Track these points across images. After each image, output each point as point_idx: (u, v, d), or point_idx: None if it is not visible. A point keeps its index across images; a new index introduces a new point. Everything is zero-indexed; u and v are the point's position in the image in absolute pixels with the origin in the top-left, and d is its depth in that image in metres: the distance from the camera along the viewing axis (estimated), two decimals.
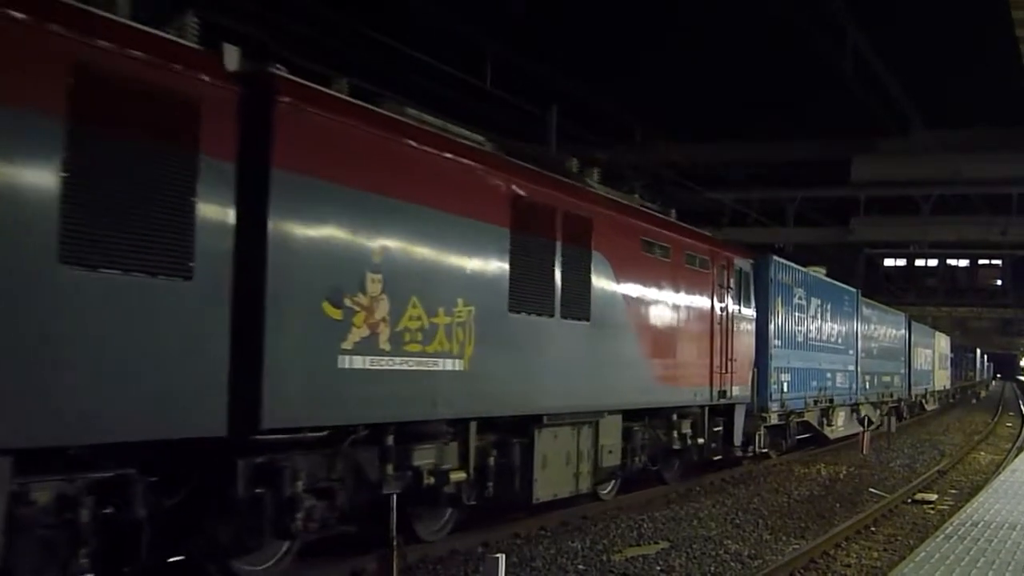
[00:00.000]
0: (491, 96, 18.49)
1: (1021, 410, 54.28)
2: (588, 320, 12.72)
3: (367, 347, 8.90)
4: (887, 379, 34.51)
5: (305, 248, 8.29)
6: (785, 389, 21.33)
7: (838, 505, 16.41)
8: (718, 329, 17.02)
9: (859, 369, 29.17)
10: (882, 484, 19.32)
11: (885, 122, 30.82)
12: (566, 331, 12.24)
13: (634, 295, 14.09)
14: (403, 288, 9.39)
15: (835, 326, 26.50)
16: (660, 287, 14.93)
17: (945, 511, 15.71)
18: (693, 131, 35.41)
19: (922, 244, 43.42)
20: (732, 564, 11.41)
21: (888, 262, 60.41)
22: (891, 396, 35.29)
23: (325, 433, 8.68)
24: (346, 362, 8.68)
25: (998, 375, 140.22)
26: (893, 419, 31.11)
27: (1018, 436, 34.60)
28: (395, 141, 9.42)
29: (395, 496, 8.82)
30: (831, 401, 25.58)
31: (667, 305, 15.20)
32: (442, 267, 10.04)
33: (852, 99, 27.71)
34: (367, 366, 8.90)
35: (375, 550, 8.46)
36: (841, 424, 27.14)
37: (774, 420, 20.81)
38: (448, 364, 10.03)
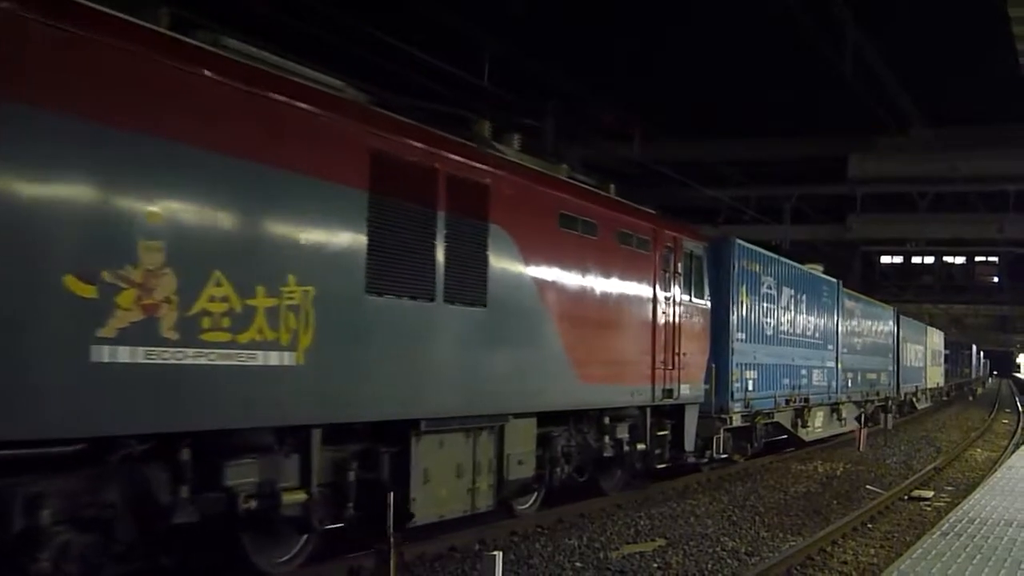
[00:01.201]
0: (488, 94, 18.48)
1: (1017, 407, 54.34)
2: (484, 306, 10.76)
3: (140, 335, 6.92)
4: (872, 377, 32.60)
5: (37, 205, 6.37)
6: (750, 388, 19.63)
7: (835, 502, 16.45)
8: (662, 320, 14.98)
9: (840, 366, 27.30)
10: (879, 481, 19.36)
11: (883, 119, 30.84)
12: (453, 319, 10.28)
13: (549, 279, 12.13)
14: (199, 260, 7.42)
15: (812, 319, 24.66)
16: (585, 270, 12.91)
17: (942, 508, 15.75)
18: (691, 129, 35.39)
19: (919, 241, 43.46)
20: (729, 561, 11.43)
21: (885, 259, 60.53)
22: (877, 395, 33.30)
23: (80, 447, 6.77)
24: (104, 354, 6.68)
25: (994, 372, 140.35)
26: (890, 416, 31.00)
27: (1014, 433, 34.67)
28: (191, 73, 7.45)
29: (391, 495, 8.80)
30: (806, 401, 23.62)
31: (594, 291, 13.20)
32: (263, 235, 7.98)
33: (850, 96, 27.72)
34: (141, 359, 6.94)
35: (373, 547, 8.47)
36: (819, 425, 25.31)
37: (737, 422, 19.10)
38: (273, 358, 8.03)
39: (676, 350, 15.40)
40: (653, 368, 14.77)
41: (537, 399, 12.06)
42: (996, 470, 18.31)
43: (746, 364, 19.38)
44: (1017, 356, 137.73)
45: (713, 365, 17.49)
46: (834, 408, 26.83)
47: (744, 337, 19.33)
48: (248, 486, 8.11)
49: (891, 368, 36.48)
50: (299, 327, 8.31)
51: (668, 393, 15.27)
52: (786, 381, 22.11)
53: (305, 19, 15.08)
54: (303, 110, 8.48)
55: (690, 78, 33.59)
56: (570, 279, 12.64)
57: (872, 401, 32.24)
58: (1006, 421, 42.35)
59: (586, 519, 13.59)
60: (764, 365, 20.50)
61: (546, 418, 12.51)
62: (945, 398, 59.62)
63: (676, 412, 16.13)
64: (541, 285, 11.97)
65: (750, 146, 37.73)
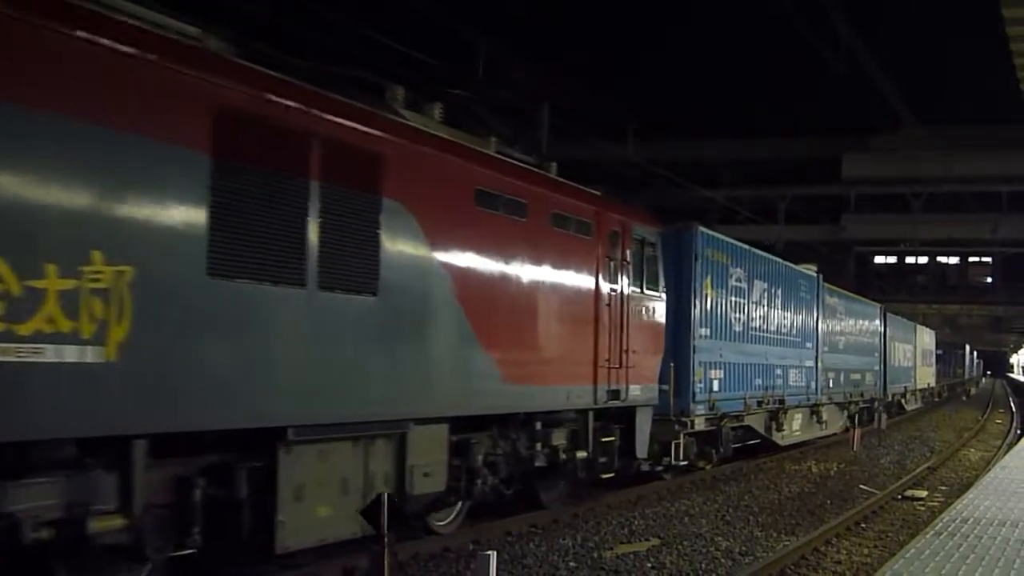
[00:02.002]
0: (484, 94, 18.48)
1: (1011, 407, 54.44)
2: (375, 294, 9.17)
3: None
4: (857, 377, 30.61)
5: None
6: (715, 388, 17.94)
7: (829, 502, 16.45)
8: (606, 313, 13.33)
9: (820, 365, 25.46)
10: (872, 481, 19.37)
11: (876, 119, 30.95)
12: (331, 308, 8.66)
13: (463, 264, 10.51)
14: None
15: (789, 315, 22.93)
16: (509, 256, 11.32)
17: (935, 507, 15.76)
18: (685, 129, 35.46)
19: (913, 242, 43.59)
20: (723, 561, 11.43)
21: (879, 259, 60.70)
22: (861, 395, 31.28)
23: None
24: None
25: (988, 372, 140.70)
26: (883, 416, 30.90)
27: (1008, 433, 34.72)
28: None
29: (386, 494, 8.78)
30: (781, 402, 21.82)
31: (521, 280, 11.57)
32: (53, 202, 6.47)
33: (843, 96, 27.86)
34: None
35: (367, 548, 8.46)
36: (797, 428, 23.59)
37: (700, 426, 17.39)
38: (70, 353, 6.50)
39: (624, 347, 13.77)
40: (595, 367, 13.15)
41: (448, 402, 10.40)
42: (990, 470, 18.31)
43: (711, 363, 17.81)
44: (1011, 356, 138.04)
45: (672, 364, 16.02)
46: (813, 410, 25.18)
47: (708, 333, 17.73)
48: (34, 510, 6.60)
49: (877, 368, 34.42)
50: (111, 315, 6.75)
51: (614, 395, 13.62)
52: (758, 381, 20.45)
53: (302, 20, 15.09)
54: (115, 52, 6.86)
55: (684, 78, 33.68)
56: (490, 266, 11.03)
57: (856, 402, 30.55)
58: (999, 421, 42.42)
59: (580, 519, 13.59)
60: (732, 364, 18.86)
61: (462, 424, 10.84)
62: (937, 399, 57.84)
63: (626, 416, 14.47)
64: (453, 272, 10.38)
65: (744, 146, 37.82)
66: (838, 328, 28.13)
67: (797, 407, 23.29)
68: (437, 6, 16.96)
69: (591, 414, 13.42)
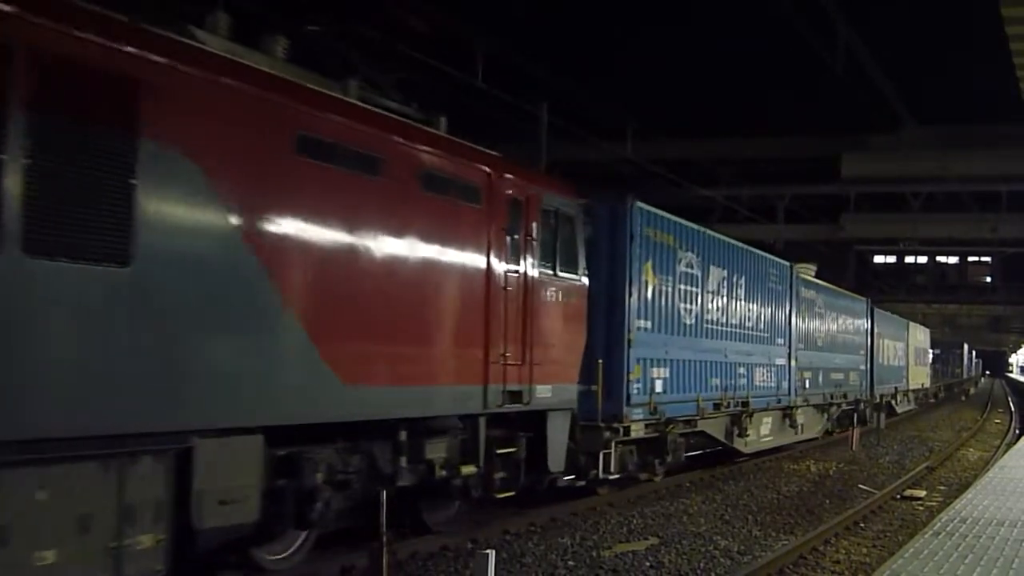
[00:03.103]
0: (482, 93, 18.47)
1: (1010, 407, 54.46)
2: (125, 264, 6.98)
3: None
4: (839, 377, 28.03)
5: None
6: (659, 389, 15.57)
7: (827, 501, 16.46)
8: (503, 299, 11.12)
9: (794, 364, 23.08)
10: (871, 480, 19.38)
11: (875, 119, 30.91)
12: (47, 281, 6.50)
13: (277, 231, 8.33)
14: None
15: (755, 308, 20.51)
16: (353, 223, 9.12)
17: (934, 507, 15.77)
18: (684, 128, 35.43)
19: (912, 241, 43.58)
20: (722, 560, 11.44)
21: (878, 259, 60.74)
22: (845, 397, 28.75)
23: None
24: None
25: (987, 372, 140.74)
26: (883, 416, 30.91)
27: (1007, 432, 34.74)
28: None
29: (384, 493, 8.78)
30: (745, 405, 19.43)
31: (371, 254, 9.36)
32: None
33: (842, 96, 27.81)
34: None
35: (366, 546, 8.46)
36: (766, 433, 21.40)
37: (639, 432, 15.16)
38: None
39: (529, 339, 11.63)
40: (487, 364, 10.91)
41: (258, 409, 8.19)
42: (988, 469, 18.33)
43: (653, 360, 15.47)
44: (1010, 356, 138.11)
45: (600, 361, 13.83)
46: (786, 413, 22.73)
47: (650, 326, 15.34)
48: None
49: (863, 367, 31.83)
50: None
51: (515, 396, 11.49)
52: (715, 381, 18.03)
53: (299, 18, 15.08)
54: None
55: (684, 78, 33.63)
56: (323, 234, 8.82)
57: (839, 404, 28.24)
58: (998, 421, 42.43)
59: (579, 517, 13.59)
60: (681, 362, 16.52)
61: (289, 435, 8.67)
62: (932, 400, 55.59)
63: (536, 422, 12.33)
64: (263, 241, 8.19)
65: (743, 145, 37.78)
66: (817, 323, 25.79)
67: (766, 410, 21.02)
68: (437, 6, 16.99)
69: (483, 421, 11.14)
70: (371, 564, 8.44)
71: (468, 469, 11.05)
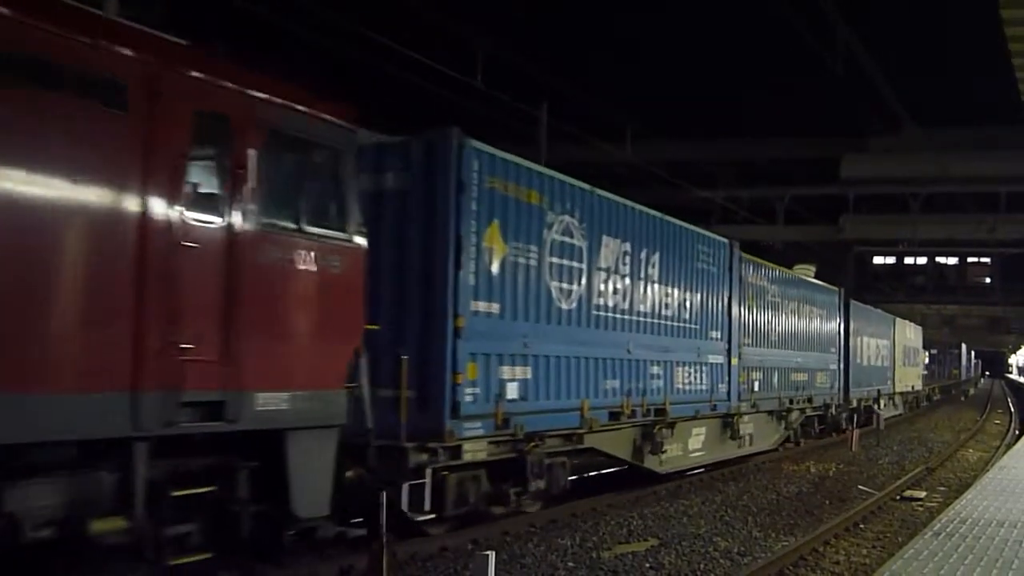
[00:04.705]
0: (482, 94, 18.50)
1: (1009, 407, 54.47)
2: None
3: None
4: (801, 378, 23.87)
5: None
6: (513, 395, 11.89)
7: (827, 502, 16.46)
8: (178, 259, 7.40)
9: (738, 362, 19.31)
10: (871, 481, 19.37)
11: (875, 120, 30.97)
12: None
13: None
14: None
15: (677, 292, 16.55)
16: None
17: (934, 508, 15.76)
18: (683, 129, 35.51)
19: (912, 242, 43.64)
20: (721, 561, 11.44)
21: (878, 260, 60.83)
22: (809, 401, 24.68)
23: None
24: None
25: (986, 373, 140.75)
26: (882, 416, 30.61)
27: (1006, 433, 34.73)
28: None
29: (384, 493, 8.78)
30: (661, 413, 15.76)
31: None
32: None
33: (842, 97, 27.87)
34: None
35: (365, 547, 8.46)
36: (697, 447, 17.85)
37: (479, 454, 11.55)
38: None
39: (238, 323, 7.84)
40: (140, 356, 7.16)
41: None
42: (988, 470, 18.32)
43: (502, 356, 11.79)
44: (1009, 357, 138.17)
45: (405, 358, 10.56)
46: (726, 422, 19.16)
47: (497, 311, 11.69)
48: None
49: (834, 367, 27.64)
50: None
51: (207, 409, 7.63)
52: (611, 384, 14.28)
53: (297, 18, 15.11)
54: None
55: (683, 78, 33.69)
56: None
57: (802, 410, 24.30)
58: (998, 422, 42.41)
59: (579, 519, 13.58)
60: (552, 358, 12.81)
61: None
62: (925, 403, 51.86)
63: (270, 446, 8.27)
64: None
65: (743, 146, 37.86)
66: (770, 315, 21.79)
67: (695, 419, 17.38)
68: (437, 6, 17.01)
69: (141, 448, 7.25)
70: (371, 565, 8.44)
71: (107, 524, 7.11)
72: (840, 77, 21.99)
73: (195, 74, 7.72)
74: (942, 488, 18.73)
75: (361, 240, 9.31)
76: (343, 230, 9.13)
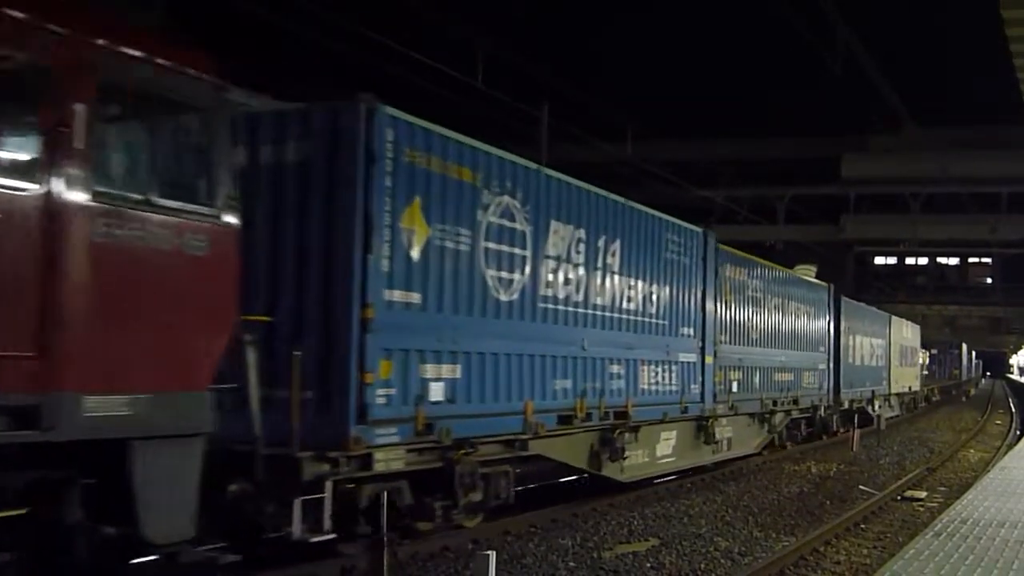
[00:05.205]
0: (482, 94, 18.51)
1: (1010, 408, 54.46)
2: None
3: None
4: (786, 378, 22.39)
5: None
6: (437, 396, 10.48)
7: (828, 502, 16.46)
8: None
9: (712, 361, 17.85)
10: (872, 481, 19.37)
11: (876, 120, 30.95)
12: None
13: None
14: None
15: (642, 285, 15.09)
16: None
17: (935, 508, 15.76)
18: (684, 129, 35.51)
19: (912, 242, 43.65)
20: (722, 561, 11.44)
21: (878, 260, 60.85)
22: (795, 403, 23.15)
23: None
24: None
25: (988, 373, 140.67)
26: (884, 417, 30.55)
27: (1007, 433, 34.73)
28: None
29: (385, 493, 8.79)
30: (622, 416, 14.29)
31: None
32: None
33: (843, 97, 27.86)
34: None
35: (366, 547, 8.46)
36: (666, 452, 16.35)
37: (397, 463, 10.06)
38: None
39: (57, 311, 6.50)
40: None
41: None
42: (989, 471, 18.32)
43: (424, 352, 10.32)
44: (1010, 357, 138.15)
45: (297, 354, 9.13)
46: (700, 426, 17.65)
47: (418, 301, 10.22)
48: None
49: (823, 367, 26.18)
50: None
51: (22, 416, 6.32)
52: (562, 384, 12.83)
53: (298, 18, 15.11)
54: None
55: (683, 78, 33.69)
56: None
57: (788, 411, 22.89)
58: (999, 422, 42.41)
59: (580, 518, 13.58)
60: (488, 355, 11.34)
61: None
62: (924, 404, 50.34)
63: (116, 456, 6.92)
64: None
65: (743, 146, 37.87)
66: (751, 311, 20.29)
67: (663, 422, 15.93)
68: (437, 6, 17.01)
69: None
70: (372, 565, 8.44)
71: None
72: (840, 77, 21.98)
73: (4, 13, 6.29)
74: (943, 488, 18.72)
75: (232, 218, 7.75)
76: (209, 205, 7.63)
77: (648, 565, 11.03)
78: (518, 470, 12.58)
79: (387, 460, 9.88)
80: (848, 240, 43.10)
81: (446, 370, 10.63)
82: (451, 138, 10.75)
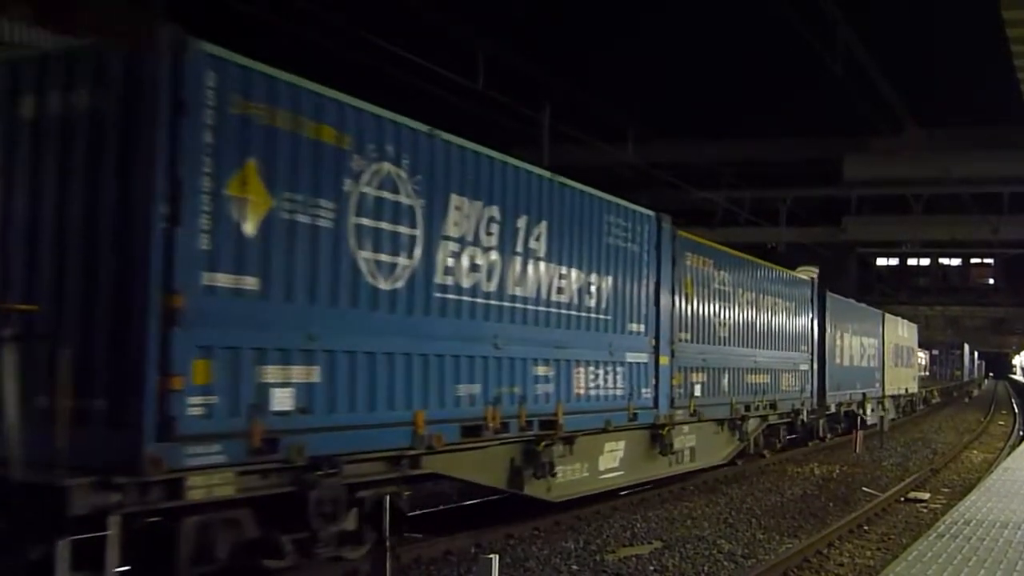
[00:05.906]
0: (484, 97, 18.51)
1: (1014, 408, 54.41)
2: None
3: None
4: (762, 380, 20.08)
5: None
6: (285, 405, 8.35)
7: (831, 504, 16.43)
8: None
9: (670, 362, 15.53)
10: (875, 483, 19.34)
11: (877, 121, 30.93)
12: None
13: None
14: None
15: (578, 274, 12.83)
16: None
17: (938, 510, 15.73)
18: (685, 130, 35.53)
19: (914, 243, 43.64)
20: (725, 564, 11.42)
21: (881, 261, 60.84)
22: (772, 407, 20.81)
23: None
24: None
25: (990, 374, 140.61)
26: (887, 419, 30.40)
27: (1010, 435, 34.68)
28: None
29: (388, 496, 8.76)
30: (552, 426, 12.05)
31: None
32: None
33: (844, 98, 27.83)
34: None
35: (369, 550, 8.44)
36: (614, 465, 14.17)
37: (221, 492, 7.87)
38: None
39: None
40: None
41: None
42: (992, 472, 18.29)
43: (264, 350, 8.17)
44: (1013, 358, 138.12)
45: (68, 351, 7.30)
46: (655, 435, 15.31)
47: (256, 287, 8.11)
48: None
49: (806, 367, 23.79)
50: None
51: None
52: (468, 390, 10.62)
53: (298, 20, 15.12)
54: None
55: (684, 80, 33.70)
56: None
57: (764, 416, 20.52)
58: (1002, 423, 42.36)
59: (583, 521, 13.56)
60: (360, 355, 9.19)
61: None
62: (922, 407, 47.91)
63: None
64: None
65: (745, 148, 37.87)
66: (718, 306, 17.85)
67: (605, 431, 13.66)
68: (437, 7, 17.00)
69: None
70: (374, 568, 8.42)
71: None
72: (840, 77, 21.98)
73: None
74: (946, 490, 18.69)
75: None
76: None
77: (651, 568, 11.01)
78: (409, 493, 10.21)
79: (208, 486, 7.68)
80: (850, 241, 43.06)
81: (297, 373, 8.45)
82: (305, 88, 8.60)
